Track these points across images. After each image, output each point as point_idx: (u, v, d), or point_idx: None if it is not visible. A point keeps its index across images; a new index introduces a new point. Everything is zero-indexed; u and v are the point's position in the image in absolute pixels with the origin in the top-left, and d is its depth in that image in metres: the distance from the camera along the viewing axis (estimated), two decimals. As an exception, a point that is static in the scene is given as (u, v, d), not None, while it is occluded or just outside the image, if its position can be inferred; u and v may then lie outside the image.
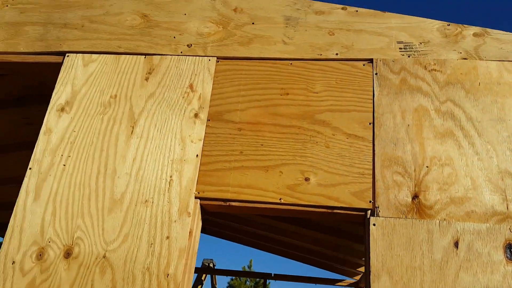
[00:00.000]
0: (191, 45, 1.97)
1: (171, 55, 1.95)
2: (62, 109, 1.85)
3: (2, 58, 2.01)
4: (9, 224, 1.63)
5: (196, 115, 1.82)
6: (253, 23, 2.00)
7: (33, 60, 1.99)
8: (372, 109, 1.76)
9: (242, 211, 1.69)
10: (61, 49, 1.98)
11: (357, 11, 1.95)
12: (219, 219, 4.74)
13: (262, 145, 1.75)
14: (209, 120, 1.82)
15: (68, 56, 1.96)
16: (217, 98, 1.86)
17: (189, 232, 1.61)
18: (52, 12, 2.08)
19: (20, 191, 1.70)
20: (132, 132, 1.80)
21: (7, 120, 3.71)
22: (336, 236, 4.06)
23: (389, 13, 1.91)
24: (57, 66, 1.98)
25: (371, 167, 1.67)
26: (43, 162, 1.75)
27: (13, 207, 1.67)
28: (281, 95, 1.83)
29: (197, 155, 1.75)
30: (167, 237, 1.60)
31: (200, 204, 1.69)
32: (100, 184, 1.70)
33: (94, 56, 1.96)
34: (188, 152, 1.75)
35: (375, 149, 1.69)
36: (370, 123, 1.74)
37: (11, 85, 3.31)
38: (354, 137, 1.72)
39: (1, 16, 2.10)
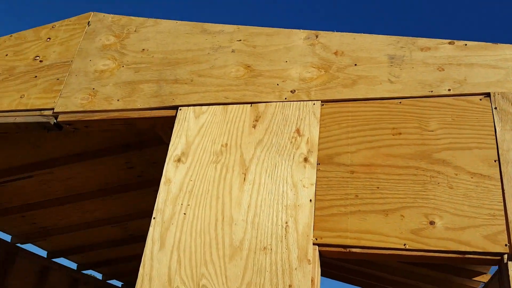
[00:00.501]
0: (295, 90, 2.02)
1: (275, 101, 2.01)
2: (179, 160, 1.96)
3: (121, 114, 2.19)
4: (139, 273, 1.72)
5: (305, 160, 1.84)
6: (355, 65, 2.01)
7: (149, 115, 2.15)
8: (495, 145, 1.67)
9: (364, 258, 1.64)
10: (174, 104, 2.12)
11: (466, 44, 1.89)
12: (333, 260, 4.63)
13: (378, 187, 1.71)
14: (319, 163, 1.82)
15: (180, 109, 2.09)
16: (326, 141, 1.87)
17: (311, 281, 1.59)
18: (163, 70, 2.25)
19: (147, 241, 1.80)
20: (244, 179, 1.85)
21: (111, 165, 4.01)
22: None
23: (502, 44, 1.83)
24: (171, 119, 2.12)
25: (502, 208, 1.56)
26: (165, 212, 1.85)
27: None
28: (393, 135, 1.80)
29: (310, 200, 1.75)
30: (290, 286, 1.59)
31: (319, 251, 1.67)
32: (219, 231, 1.75)
33: (204, 107, 2.07)
34: (301, 197, 1.76)
35: (504, 188, 1.58)
36: (495, 160, 1.64)
37: (117, 135, 3.59)
38: (479, 176, 1.63)
39: (118, 76, 2.31)
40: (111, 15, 2.60)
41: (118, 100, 2.23)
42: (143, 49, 2.37)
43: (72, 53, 2.51)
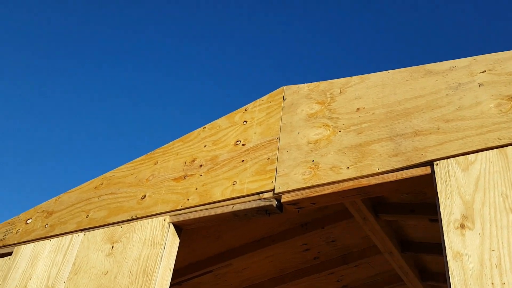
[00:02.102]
0: None
1: None
2: (462, 226, 1.52)
3: (357, 183, 1.87)
4: None
5: None
6: None
7: (394, 178, 1.79)
8: None
9: None
10: (425, 159, 1.75)
11: None
12: None
13: None
14: None
15: (437, 164, 1.70)
16: None
17: None
18: (394, 124, 1.93)
19: None
20: None
21: (288, 248, 3.71)
22: None
23: None
24: (423, 179, 1.73)
25: None
26: (473, 297, 1.38)
27: None
28: None
29: None
30: None
31: None
32: None
33: (471, 156, 1.66)
34: None
35: None
36: None
37: (296, 214, 3.31)
38: None
39: (338, 143, 2.04)
40: (306, 84, 2.43)
41: (348, 168, 1.93)
42: (358, 109, 2.10)
43: (275, 130, 2.34)
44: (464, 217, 1.54)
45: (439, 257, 3.73)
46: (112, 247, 2.46)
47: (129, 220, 2.55)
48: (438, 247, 3.60)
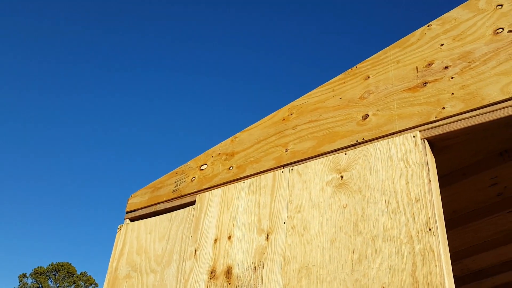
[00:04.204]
0: None
1: None
2: None
3: None
4: None
5: None
6: None
7: None
8: None
9: None
10: None
11: None
12: None
13: None
14: None
15: None
16: None
17: None
18: None
19: None
20: None
21: (472, 185, 3.13)
22: None
23: None
24: None
25: None
26: None
27: None
28: None
29: None
30: None
31: None
32: None
33: None
34: None
35: None
36: None
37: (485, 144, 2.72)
38: None
39: None
40: None
41: None
42: None
43: None
44: None
45: None
46: (342, 176, 2.03)
47: (353, 146, 2.09)
48: None
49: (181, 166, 3.03)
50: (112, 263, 2.75)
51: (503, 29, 1.88)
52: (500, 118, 1.71)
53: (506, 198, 3.42)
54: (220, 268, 2.21)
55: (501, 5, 1.94)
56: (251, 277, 2.06)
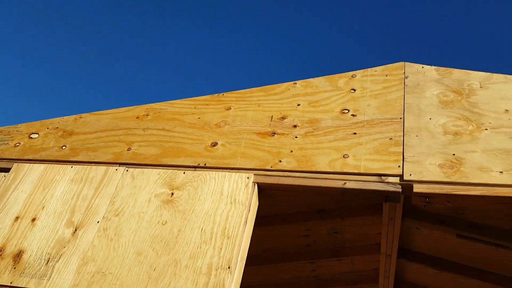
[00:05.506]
0: None
1: None
2: None
3: (508, 192, 1.69)
4: None
5: None
6: None
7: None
8: None
9: None
10: None
11: None
12: None
13: None
14: None
15: None
16: None
17: None
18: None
19: None
20: None
21: (287, 232, 3.50)
22: None
23: None
24: None
25: None
26: None
27: None
28: None
29: None
30: None
31: None
32: None
33: None
34: None
35: None
36: None
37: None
38: None
39: (486, 142, 1.84)
40: (433, 67, 2.19)
41: (501, 172, 1.74)
42: (507, 110, 1.92)
43: (397, 109, 2.07)
44: None
45: (426, 269, 3.76)
46: (172, 193, 2.04)
47: (194, 167, 2.13)
48: (433, 260, 3.62)
49: (9, 126, 2.70)
50: None
51: (348, 110, 2.15)
52: (321, 187, 1.93)
53: (312, 251, 3.83)
54: (11, 249, 2.00)
55: (354, 90, 2.22)
56: (41, 267, 1.91)
